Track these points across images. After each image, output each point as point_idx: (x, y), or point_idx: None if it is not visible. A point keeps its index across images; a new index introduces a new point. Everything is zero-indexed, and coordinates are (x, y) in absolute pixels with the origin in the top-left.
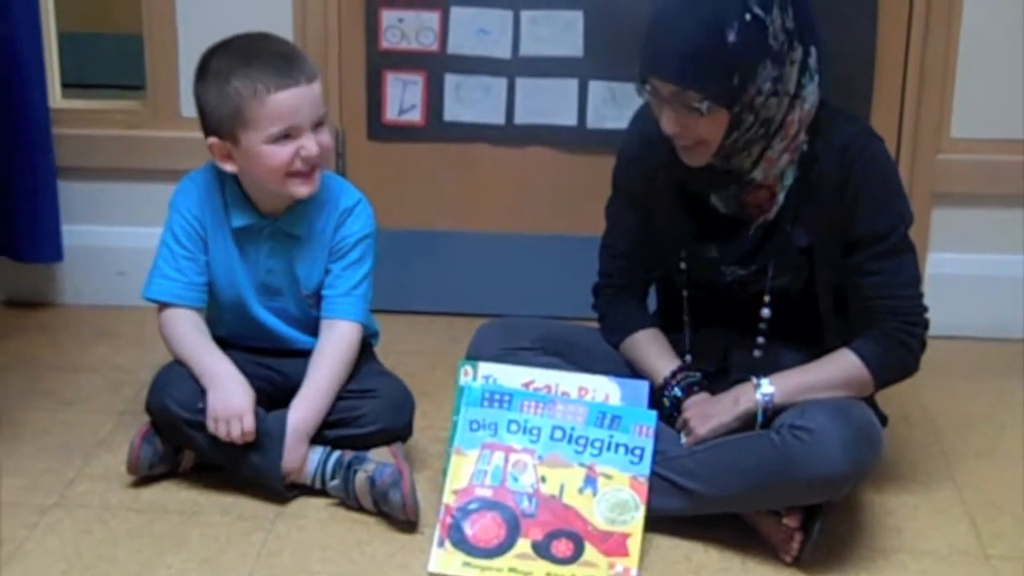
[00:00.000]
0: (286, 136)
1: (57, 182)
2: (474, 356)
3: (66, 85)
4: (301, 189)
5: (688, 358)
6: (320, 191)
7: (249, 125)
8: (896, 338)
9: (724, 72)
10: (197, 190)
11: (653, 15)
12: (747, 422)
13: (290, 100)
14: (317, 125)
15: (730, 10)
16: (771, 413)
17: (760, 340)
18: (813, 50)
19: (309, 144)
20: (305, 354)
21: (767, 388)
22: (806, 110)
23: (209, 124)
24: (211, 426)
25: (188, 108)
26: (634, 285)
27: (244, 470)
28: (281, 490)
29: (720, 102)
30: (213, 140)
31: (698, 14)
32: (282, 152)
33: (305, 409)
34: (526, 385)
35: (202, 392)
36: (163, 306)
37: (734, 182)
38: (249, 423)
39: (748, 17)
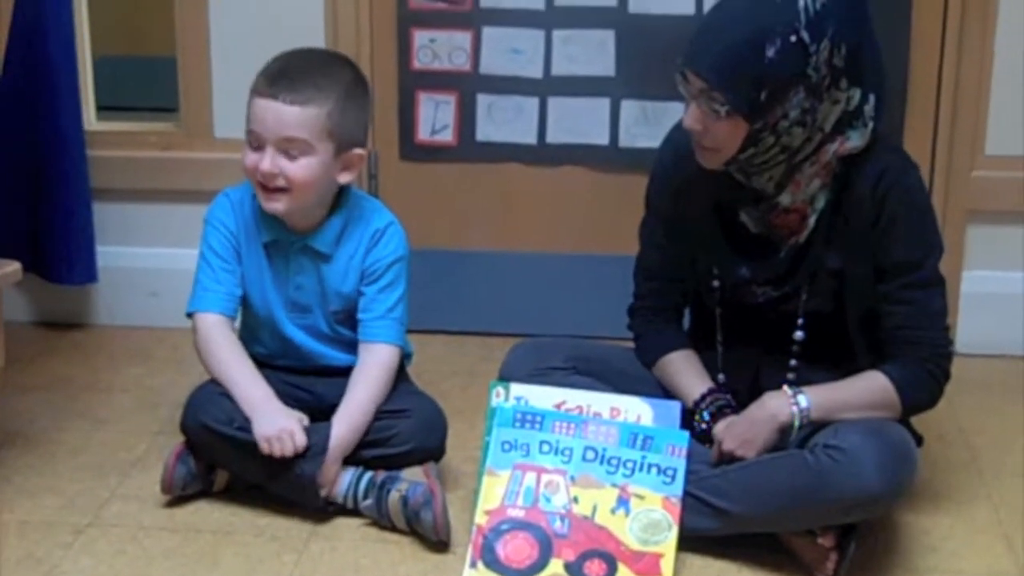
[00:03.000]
0: (255, 143)
1: (92, 203)
2: (506, 376)
3: (101, 108)
4: (263, 203)
5: (721, 377)
6: (351, 211)
7: (246, 117)
8: (924, 368)
9: (753, 83)
10: (231, 204)
11: (710, 10)
12: (784, 434)
13: (260, 108)
14: (287, 150)
15: (778, 26)
16: (806, 424)
17: (793, 362)
18: (872, 98)
19: (264, 160)
20: (337, 372)
21: (803, 401)
22: (847, 147)
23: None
24: (264, 448)
25: (222, 129)
26: (669, 306)
27: (285, 483)
28: (320, 500)
29: (741, 111)
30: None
31: (747, 20)
32: (251, 157)
33: (347, 424)
34: (558, 406)
35: (237, 410)
36: (200, 321)
37: (762, 202)
38: (301, 438)
39: (793, 39)
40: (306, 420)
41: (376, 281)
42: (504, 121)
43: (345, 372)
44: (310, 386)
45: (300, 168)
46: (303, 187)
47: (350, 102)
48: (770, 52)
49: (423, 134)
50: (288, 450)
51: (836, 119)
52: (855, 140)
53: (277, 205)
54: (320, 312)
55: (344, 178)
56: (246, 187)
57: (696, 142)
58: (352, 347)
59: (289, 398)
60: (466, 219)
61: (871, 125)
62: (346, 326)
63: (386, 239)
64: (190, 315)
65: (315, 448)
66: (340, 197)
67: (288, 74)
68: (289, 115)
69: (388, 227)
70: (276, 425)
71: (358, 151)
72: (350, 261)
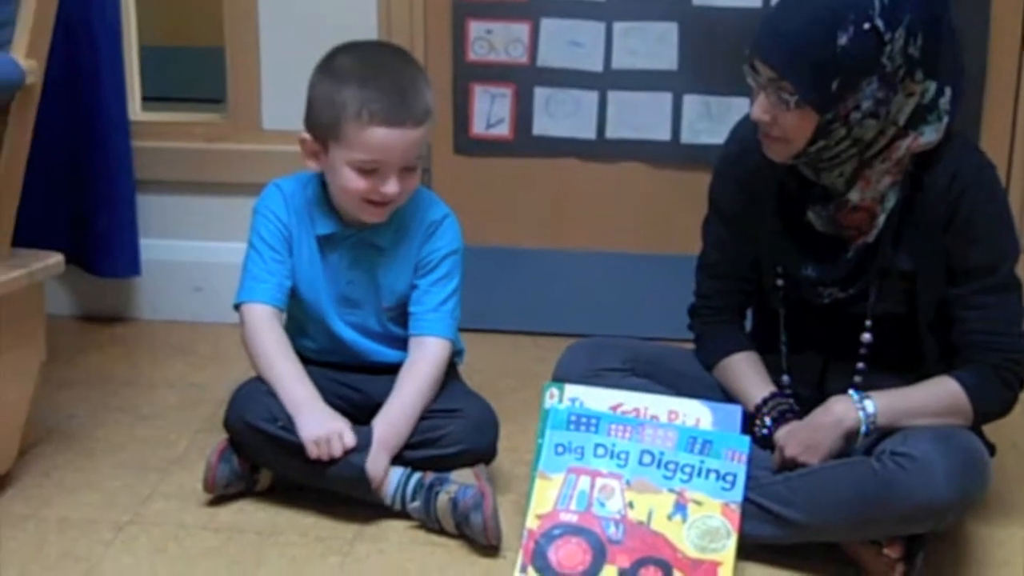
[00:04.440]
0: (371, 168)
1: (136, 195)
2: (560, 377)
3: (146, 98)
4: (367, 216)
5: (785, 379)
6: (407, 203)
7: (341, 141)
8: (998, 375)
9: (824, 73)
10: (282, 195)
11: None
12: (849, 440)
13: (387, 139)
14: (407, 168)
15: (851, 13)
16: (872, 430)
17: (860, 366)
18: (948, 91)
19: (390, 186)
20: (385, 369)
21: (870, 407)
22: (920, 143)
23: (309, 117)
24: (313, 451)
25: (270, 120)
26: (731, 306)
27: (333, 479)
28: (372, 491)
29: (810, 101)
30: (306, 136)
31: (818, 7)
32: (361, 182)
33: (390, 423)
34: (614, 408)
35: (282, 408)
36: (248, 312)
37: (829, 200)
38: (350, 438)
39: (867, 26)
40: (350, 423)
41: (430, 273)
42: (562, 115)
43: (395, 370)
44: (358, 384)
45: (413, 181)
46: (410, 193)
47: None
48: (842, 40)
49: (478, 128)
50: (337, 451)
51: (910, 112)
52: (929, 135)
53: (385, 214)
54: (371, 309)
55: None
56: (298, 179)
57: (764, 133)
58: (403, 344)
59: (336, 396)
60: (521, 216)
61: (946, 120)
62: (398, 323)
63: (442, 231)
64: (237, 306)
65: (363, 443)
66: None
67: (400, 95)
68: (417, 138)
69: (444, 219)
70: (324, 426)
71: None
72: (405, 254)
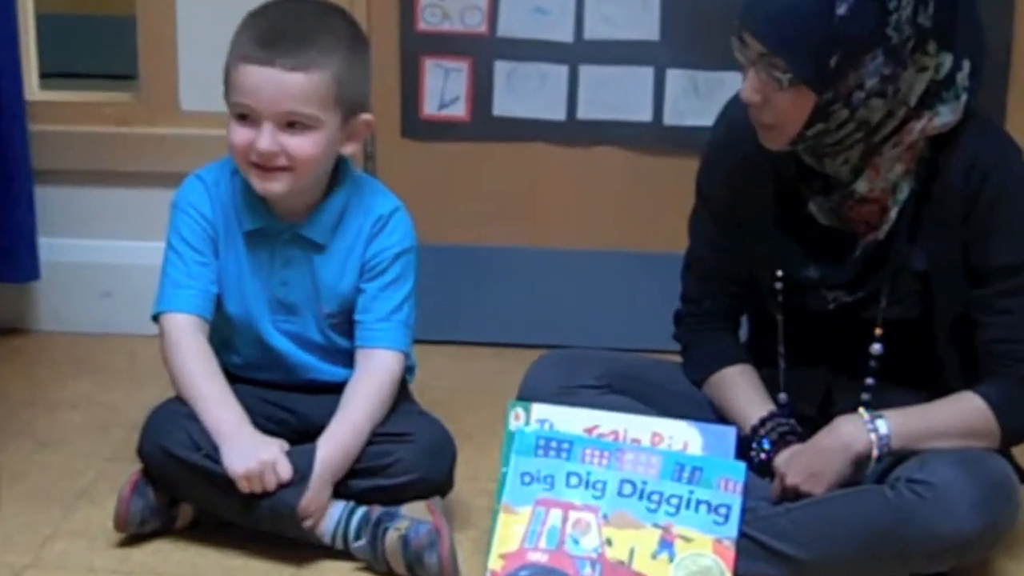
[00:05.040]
0: (245, 117)
1: (34, 188)
2: (527, 395)
3: (45, 75)
4: (256, 183)
5: (783, 397)
6: (351, 194)
7: (228, 86)
8: None
9: (820, 47)
10: (205, 187)
11: None
12: (859, 467)
13: (252, 78)
14: (290, 124)
15: None
16: (886, 454)
17: (870, 381)
18: (966, 64)
19: (262, 138)
20: (328, 388)
21: (882, 427)
22: (935, 124)
23: None
24: (243, 486)
25: (189, 100)
26: (723, 313)
27: (260, 516)
28: (305, 531)
29: (806, 80)
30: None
31: None
32: (241, 133)
33: (334, 447)
34: (589, 430)
35: (205, 434)
36: (169, 323)
37: (833, 190)
38: (286, 469)
39: None
40: (286, 446)
41: (378, 276)
42: (526, 93)
43: (338, 389)
44: (295, 405)
45: (306, 144)
46: (308, 164)
47: (355, 60)
48: (841, 9)
49: (429, 108)
50: (271, 485)
51: (923, 90)
52: (945, 116)
53: (275, 185)
54: (310, 315)
55: (348, 148)
56: (222, 166)
57: (755, 118)
58: (349, 359)
59: (269, 420)
60: (480, 209)
61: (964, 98)
62: (341, 333)
63: (391, 227)
64: (156, 317)
65: (299, 473)
66: (336, 176)
67: (283, 33)
68: (292, 84)
69: (393, 213)
70: (254, 456)
71: (365, 117)
72: (349, 253)
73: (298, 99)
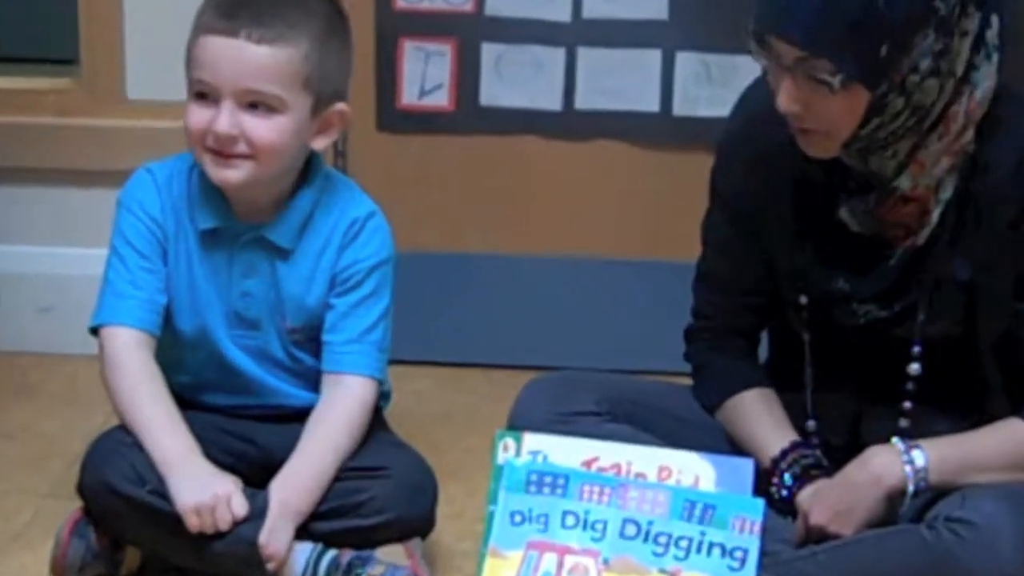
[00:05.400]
0: (204, 96)
1: None
2: (518, 424)
3: None
4: (210, 170)
5: (811, 424)
6: (321, 194)
7: (189, 63)
8: None
9: (869, 39)
10: (155, 183)
11: None
12: (893, 504)
13: (213, 50)
14: (253, 104)
15: None
16: (923, 490)
17: (906, 406)
18: (995, 20)
19: (220, 118)
20: (293, 417)
21: (919, 459)
22: (976, 100)
23: None
24: (193, 522)
25: (136, 88)
26: (740, 329)
27: (217, 557)
28: (269, 572)
29: (859, 78)
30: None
31: None
32: (197, 114)
33: (293, 487)
34: (587, 464)
35: (153, 467)
36: (109, 339)
37: (870, 190)
38: (240, 504)
39: None
40: (240, 484)
41: (350, 291)
42: (518, 80)
43: (303, 416)
44: (255, 434)
45: (269, 129)
46: (271, 153)
47: (332, 41)
48: None
49: (408, 96)
50: (225, 523)
51: (967, 58)
52: (982, 84)
53: (232, 173)
54: (272, 330)
55: (320, 143)
56: (178, 162)
57: (797, 128)
58: (316, 381)
59: (224, 450)
60: (465, 212)
61: (996, 57)
62: (307, 350)
63: (367, 235)
64: (95, 331)
65: (258, 511)
66: (305, 174)
67: (250, 3)
68: (255, 58)
69: (369, 219)
70: (206, 489)
71: (340, 107)
72: (317, 261)
73: (261, 75)
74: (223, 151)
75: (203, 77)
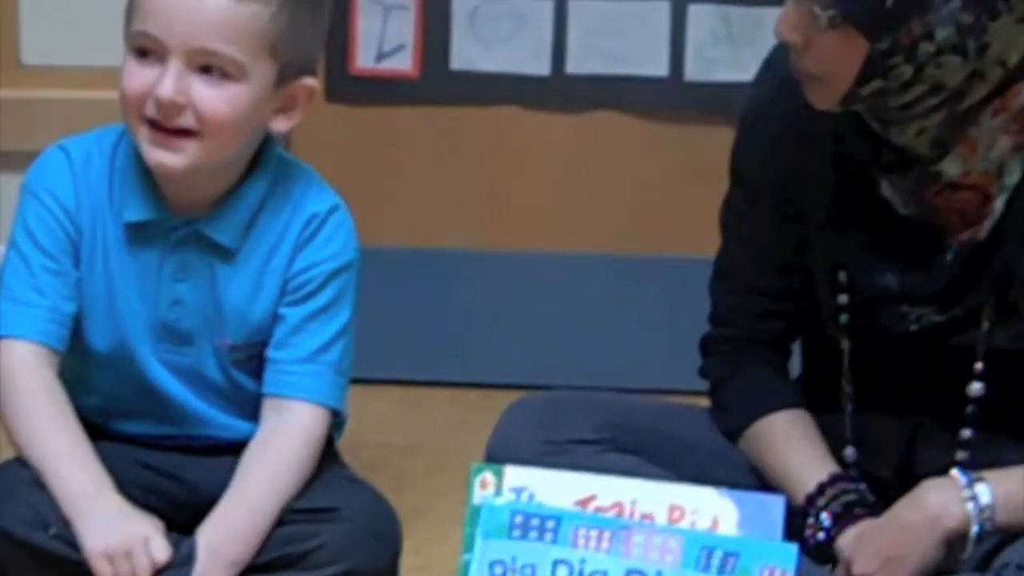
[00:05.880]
0: (146, 53)
1: None
2: (499, 455)
3: None
4: (146, 149)
5: (852, 452)
6: (274, 182)
7: (130, 13)
8: None
9: None
10: (68, 166)
11: None
12: (952, 549)
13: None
14: (205, 68)
15: None
16: (988, 532)
17: (967, 433)
18: None
19: (165, 81)
20: (227, 451)
21: (983, 495)
22: None
23: None
24: (103, 570)
25: (32, 52)
26: (766, 337)
27: None
28: None
29: (852, 18)
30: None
31: None
32: (137, 74)
33: (226, 531)
34: (583, 503)
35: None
36: (5, 354)
37: (909, 167)
38: (160, 549)
39: None
40: (162, 526)
41: (305, 300)
42: (496, 39)
43: (240, 449)
44: (181, 470)
45: (222, 99)
46: (222, 131)
47: (304, 3)
48: None
49: (363, 59)
50: (143, 570)
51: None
52: None
53: (174, 157)
54: (207, 346)
55: (280, 124)
56: (99, 139)
57: (796, 65)
58: (257, 410)
59: (143, 488)
60: (433, 199)
61: None
62: (249, 372)
63: (327, 232)
64: None
65: (183, 557)
66: (256, 159)
67: None
68: (215, 10)
69: (331, 213)
70: (120, 531)
71: (308, 82)
72: (266, 263)
73: (220, 32)
74: (165, 124)
75: (147, 29)
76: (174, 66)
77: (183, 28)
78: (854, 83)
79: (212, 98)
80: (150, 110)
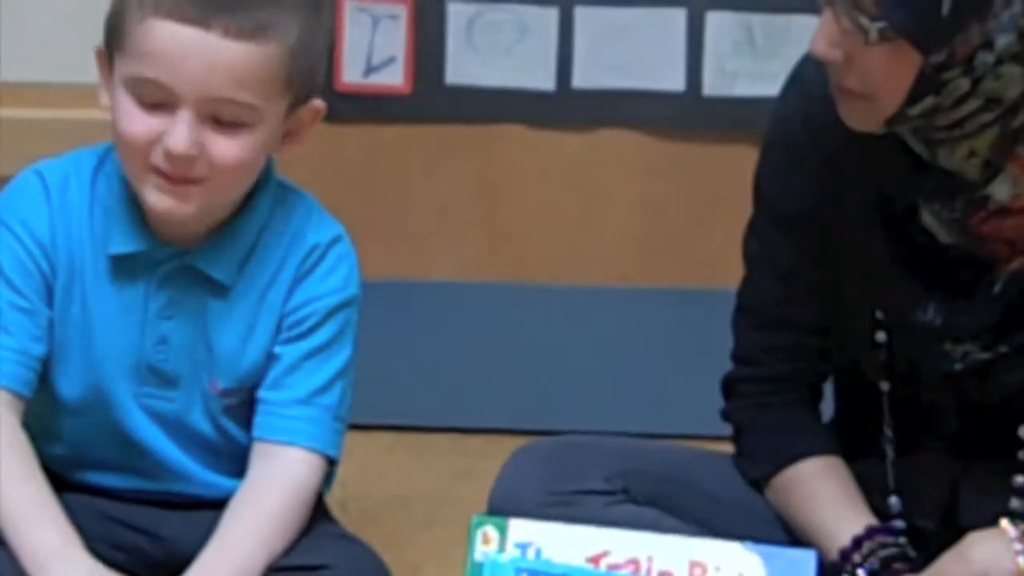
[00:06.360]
0: (156, 99)
1: None
2: (503, 507)
3: None
4: (153, 196)
5: (894, 501)
6: (273, 210)
7: (121, 45)
8: None
9: None
10: (44, 192)
11: None
12: None
13: (174, 43)
14: (218, 121)
15: None
16: None
17: (1020, 480)
18: None
19: (177, 134)
20: (210, 506)
21: None
22: None
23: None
24: None
25: (9, 68)
26: (796, 377)
27: None
28: None
29: (906, 31)
30: (100, 47)
31: None
32: (139, 121)
33: None
34: (595, 559)
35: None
36: None
37: (955, 194)
38: None
39: None
40: None
41: (303, 337)
42: (496, 50)
43: (223, 506)
44: (157, 526)
45: (235, 147)
46: (232, 175)
47: (318, 23)
48: None
49: (350, 74)
50: None
51: None
52: None
53: (184, 206)
54: (196, 391)
55: (287, 149)
56: (78, 161)
57: (835, 83)
58: (246, 466)
59: (114, 546)
60: (428, 226)
61: None
62: (241, 422)
63: (328, 265)
64: None
65: None
66: (255, 184)
67: None
68: (232, 59)
69: (332, 244)
70: None
71: (315, 104)
72: (261, 300)
73: (237, 80)
74: (174, 174)
75: (157, 77)
76: (185, 117)
77: (197, 77)
78: (904, 102)
79: (226, 147)
80: (158, 160)
